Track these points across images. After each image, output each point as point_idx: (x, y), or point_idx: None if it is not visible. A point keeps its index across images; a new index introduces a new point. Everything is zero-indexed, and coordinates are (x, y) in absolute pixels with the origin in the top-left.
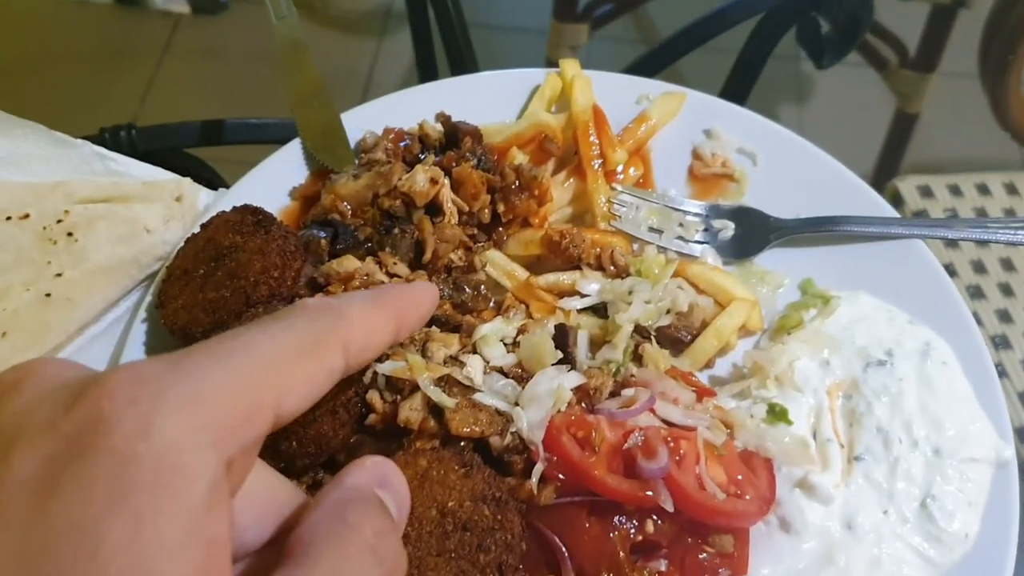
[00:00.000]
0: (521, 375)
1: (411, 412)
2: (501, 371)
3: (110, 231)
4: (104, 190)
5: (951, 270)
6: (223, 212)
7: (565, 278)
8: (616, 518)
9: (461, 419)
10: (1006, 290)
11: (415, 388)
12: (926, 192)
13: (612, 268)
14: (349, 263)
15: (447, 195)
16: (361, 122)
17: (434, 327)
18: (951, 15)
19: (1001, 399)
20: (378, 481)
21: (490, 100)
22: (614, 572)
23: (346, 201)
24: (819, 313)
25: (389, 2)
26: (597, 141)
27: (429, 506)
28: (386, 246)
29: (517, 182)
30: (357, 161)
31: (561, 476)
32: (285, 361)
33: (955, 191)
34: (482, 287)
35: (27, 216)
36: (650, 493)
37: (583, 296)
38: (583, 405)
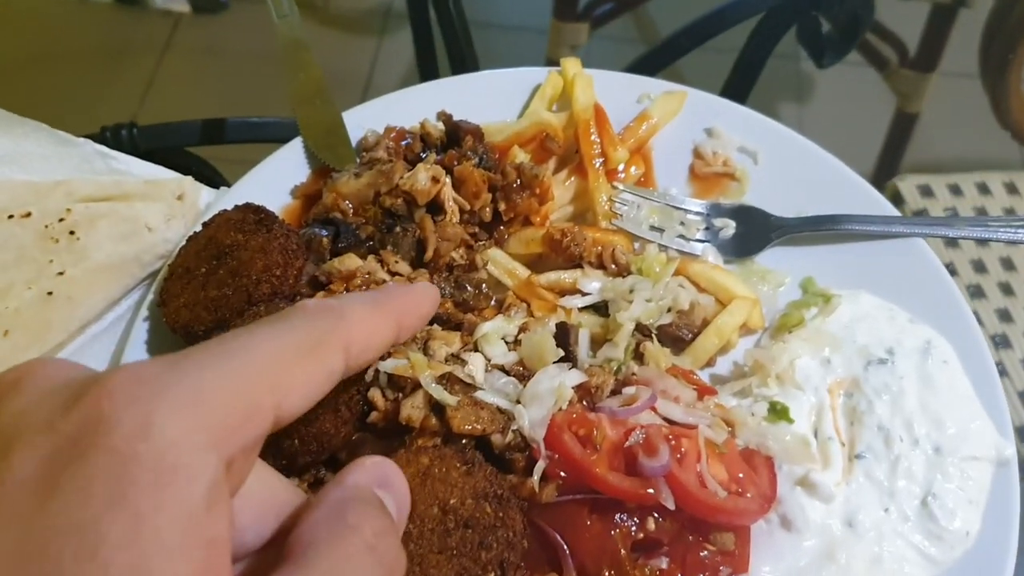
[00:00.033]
0: (522, 373)
1: (413, 410)
2: (502, 369)
3: (112, 229)
4: (106, 189)
5: (951, 269)
6: (225, 210)
7: (566, 276)
8: (617, 516)
9: (463, 417)
10: (1006, 289)
11: (417, 386)
12: (926, 191)
13: (613, 266)
14: (351, 261)
15: (448, 194)
16: (362, 121)
17: (435, 325)
18: (951, 15)
19: (1002, 397)
20: (378, 481)
21: (491, 99)
22: (615, 569)
23: (348, 200)
24: (820, 312)
25: (389, 1)
26: (598, 140)
27: (431, 504)
28: (388, 244)
29: (518, 181)
30: (359, 160)
31: (562, 474)
32: (285, 362)
33: (955, 190)
34: (483, 285)
35: (29, 214)
36: (651, 491)
37: (584, 294)
38: (584, 403)
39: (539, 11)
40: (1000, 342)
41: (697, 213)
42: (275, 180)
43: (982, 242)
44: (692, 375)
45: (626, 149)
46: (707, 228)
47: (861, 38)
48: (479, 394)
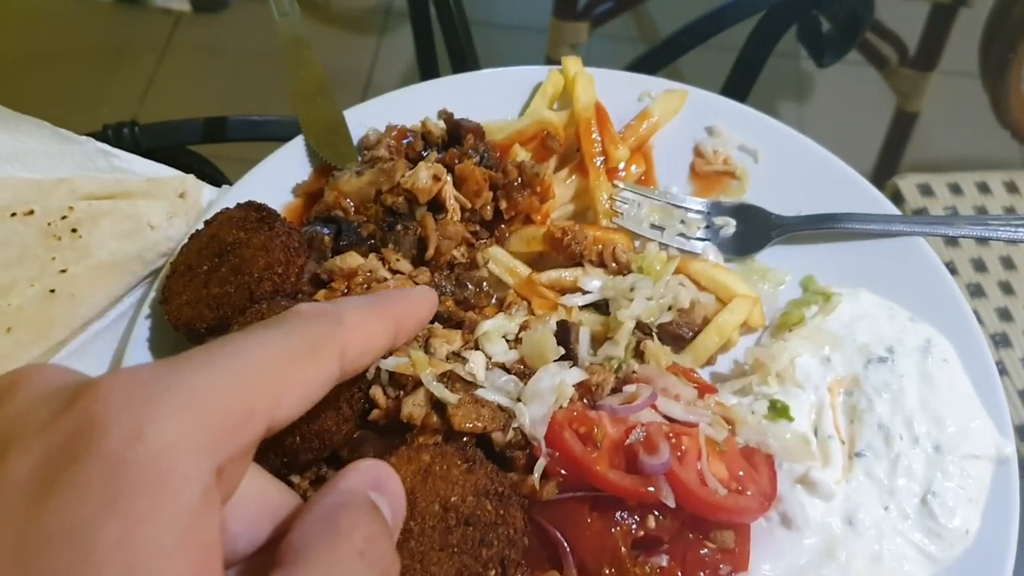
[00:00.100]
0: (523, 371)
1: (414, 408)
2: (503, 367)
3: (114, 227)
4: (108, 187)
5: (951, 268)
6: (227, 208)
7: (567, 275)
8: (618, 513)
9: (464, 415)
10: (1006, 288)
11: (418, 384)
12: (926, 190)
13: (614, 265)
14: (352, 259)
15: (450, 192)
16: (364, 119)
17: (436, 323)
18: (951, 14)
19: (1001, 396)
20: (372, 484)
21: (492, 97)
22: (616, 567)
23: (349, 198)
24: (820, 310)
25: (389, 0)
26: (599, 138)
27: (432, 501)
28: (389, 243)
29: (519, 179)
30: (360, 158)
31: (563, 472)
32: (280, 367)
33: (955, 189)
34: (484, 284)
35: (31, 212)
36: (652, 489)
37: (585, 293)
38: (585, 401)
39: (539, 10)
40: (1000, 341)
41: (698, 211)
42: (277, 178)
43: (982, 241)
44: (692, 373)
45: (627, 147)
46: (708, 226)
47: (861, 37)
48: (480, 392)
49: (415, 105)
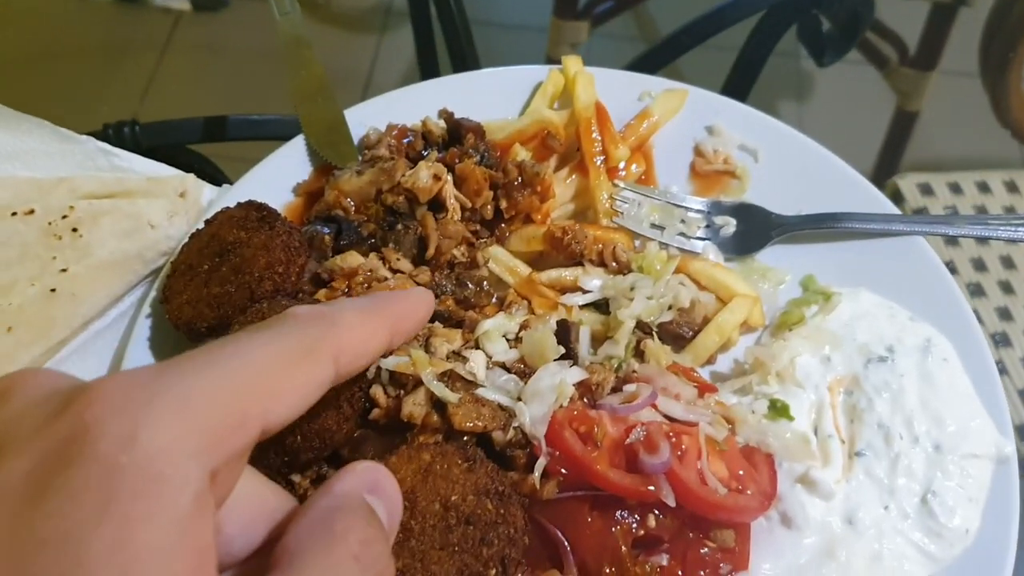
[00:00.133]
0: (523, 370)
1: (414, 407)
2: (503, 366)
3: (114, 226)
4: (108, 186)
5: (951, 268)
6: (227, 208)
7: (567, 274)
8: (618, 512)
9: (464, 414)
10: (1006, 288)
11: (418, 383)
12: (926, 190)
13: (614, 264)
14: (353, 259)
15: (450, 191)
16: (364, 118)
17: (437, 323)
18: (951, 13)
19: (1001, 395)
20: (368, 487)
21: (492, 97)
22: (616, 566)
23: (350, 197)
24: (820, 309)
25: (390, 0)
26: (599, 138)
27: (432, 500)
28: (389, 242)
29: (520, 178)
30: (360, 157)
31: (563, 471)
32: (274, 370)
33: (955, 189)
34: (485, 283)
35: (32, 212)
36: (652, 488)
37: (585, 292)
38: (585, 400)
39: (539, 9)
40: (1000, 340)
41: (698, 211)
42: (277, 177)
43: (982, 240)
44: (692, 373)
45: (627, 147)
46: (708, 226)
47: (861, 36)
48: (480, 391)
49: (415, 104)
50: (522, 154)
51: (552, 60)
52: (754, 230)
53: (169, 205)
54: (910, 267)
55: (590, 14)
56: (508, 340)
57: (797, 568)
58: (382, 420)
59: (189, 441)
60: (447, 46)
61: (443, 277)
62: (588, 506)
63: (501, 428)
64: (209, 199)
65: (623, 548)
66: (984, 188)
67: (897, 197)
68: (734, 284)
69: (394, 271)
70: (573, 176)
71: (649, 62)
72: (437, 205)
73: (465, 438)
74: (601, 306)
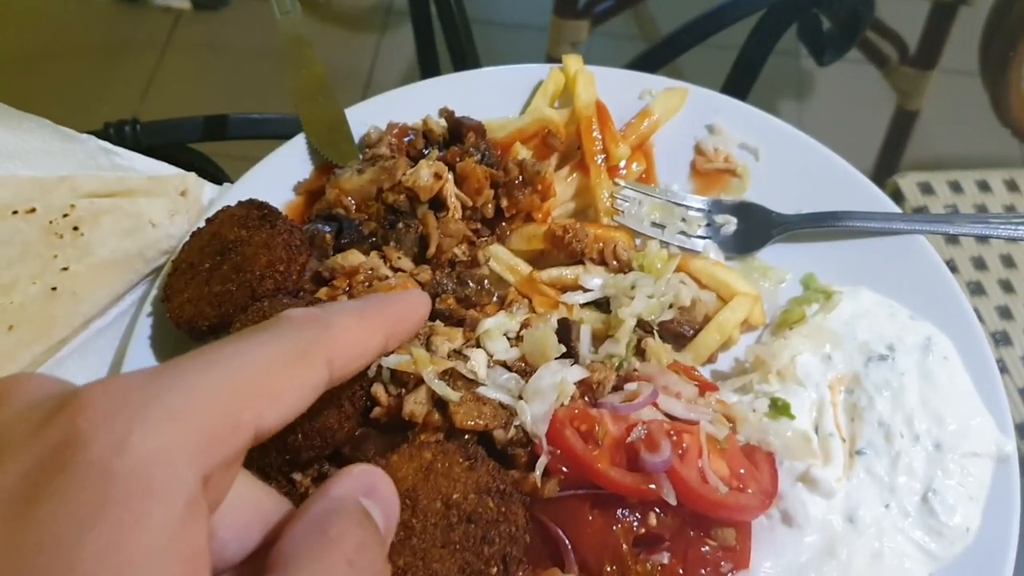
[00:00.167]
0: (524, 369)
1: (416, 405)
2: (504, 365)
3: (115, 225)
4: (109, 185)
5: (952, 266)
6: (228, 206)
7: (568, 273)
8: (619, 511)
9: (465, 412)
10: (1006, 286)
11: (419, 382)
12: (926, 189)
13: (615, 263)
14: (354, 257)
15: (451, 190)
16: (365, 117)
17: (438, 321)
18: (952, 12)
19: (1002, 394)
20: (364, 490)
21: (493, 96)
22: (617, 565)
23: (350, 196)
24: (821, 308)
25: None
26: (600, 136)
27: (434, 498)
28: (390, 240)
29: (520, 177)
30: (361, 156)
31: (564, 469)
32: (266, 374)
33: (955, 188)
34: (485, 282)
35: (33, 210)
36: (653, 486)
37: (586, 291)
38: (586, 399)
39: (539, 8)
40: (1000, 339)
41: (698, 209)
42: (278, 176)
43: (982, 239)
44: (693, 371)
45: (628, 145)
46: (708, 224)
47: (861, 35)
48: (481, 390)
49: (416, 103)
50: (523, 153)
51: (552, 59)
52: (755, 229)
53: (170, 204)
54: (911, 266)
55: (590, 13)
56: (509, 339)
57: (798, 566)
58: (383, 418)
59: (182, 446)
60: (447, 45)
61: (444, 275)
62: (589, 504)
63: (502, 426)
64: (210, 198)
65: (624, 546)
66: (984, 187)
67: (897, 196)
68: (735, 283)
69: (395, 270)
70: (574, 175)
71: (649, 61)
72: (438, 204)
73: (466, 436)
74: (602, 305)
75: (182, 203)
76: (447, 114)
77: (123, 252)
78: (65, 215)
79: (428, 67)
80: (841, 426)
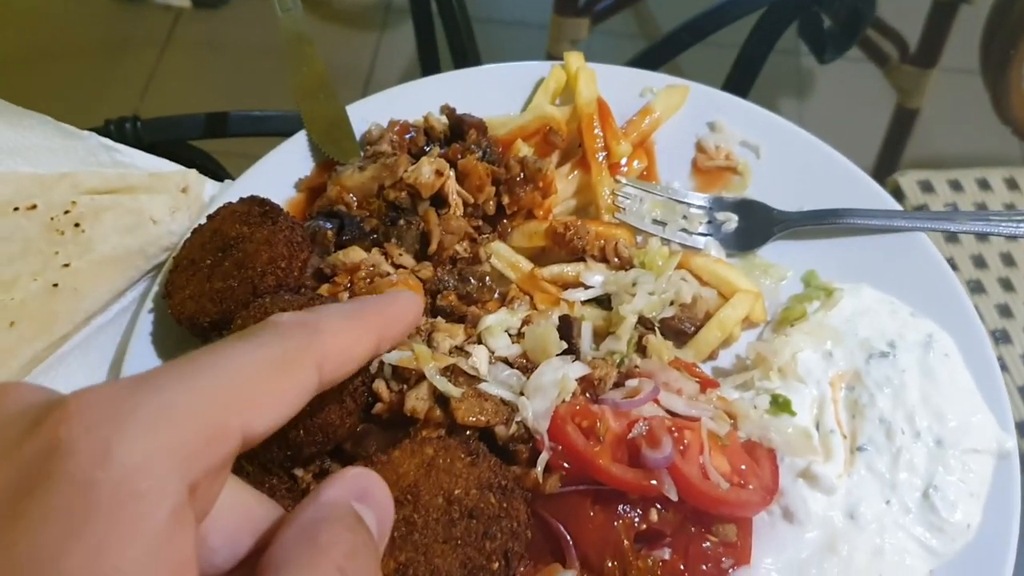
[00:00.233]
0: (526, 366)
1: (417, 401)
2: (506, 361)
3: (116, 222)
4: (110, 181)
5: (952, 264)
6: (230, 203)
7: (569, 270)
8: (620, 507)
9: (467, 408)
10: (1006, 285)
11: (421, 378)
12: (927, 187)
13: (616, 260)
14: (355, 254)
15: (452, 187)
16: (366, 114)
17: (439, 318)
18: (952, 10)
19: (1003, 390)
20: (357, 494)
21: (494, 93)
22: (618, 560)
23: (352, 193)
24: (822, 305)
25: None
26: (601, 134)
27: (435, 494)
28: (392, 237)
29: (522, 174)
30: (363, 153)
31: (566, 465)
32: (254, 380)
33: (955, 186)
34: (487, 278)
35: (34, 207)
36: (654, 482)
37: (587, 288)
38: (587, 395)
39: (540, 6)
40: (1000, 337)
41: (699, 207)
42: (279, 173)
43: (982, 237)
44: (694, 368)
45: (629, 143)
46: (709, 222)
47: (862, 34)
48: (483, 386)
49: (417, 100)
50: (524, 150)
51: (552, 57)
52: (756, 226)
53: (171, 200)
54: (911, 263)
55: (590, 11)
56: (510, 335)
57: (799, 562)
58: (385, 414)
59: (165, 455)
60: (448, 43)
61: (445, 272)
62: (590, 500)
63: (504, 423)
64: (211, 194)
65: (625, 542)
66: (984, 185)
67: (898, 194)
68: (736, 280)
69: (396, 266)
70: (575, 172)
71: (649, 59)
72: (439, 201)
73: (468, 432)
74: (603, 302)
75: (183, 200)
76: (448, 111)
77: (124, 248)
78: (66, 211)
79: (429, 64)
80: (842, 423)
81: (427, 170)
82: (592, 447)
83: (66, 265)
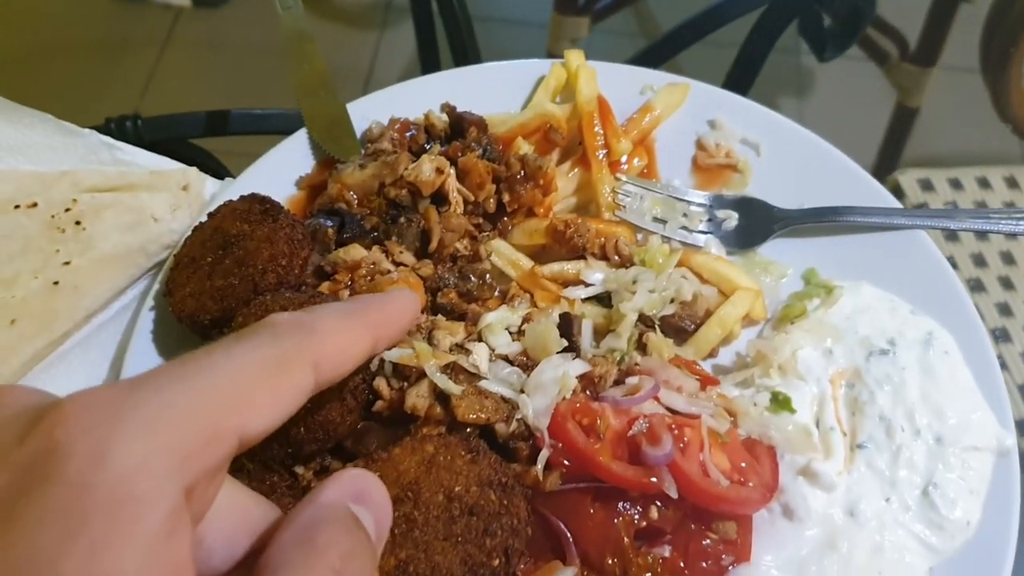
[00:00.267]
0: (526, 363)
1: (418, 399)
2: (506, 359)
3: (117, 220)
4: (111, 179)
5: (952, 263)
6: (231, 201)
7: (569, 267)
8: (620, 504)
9: (467, 406)
10: (1006, 283)
11: (422, 375)
12: (927, 185)
13: (616, 258)
14: (356, 252)
15: (453, 185)
16: (366, 112)
17: (440, 315)
18: (952, 9)
19: (1002, 388)
20: (354, 496)
21: (495, 91)
22: (618, 558)
23: (352, 190)
24: (822, 303)
25: None
26: (601, 131)
27: (436, 491)
28: (392, 235)
29: (522, 172)
30: (363, 151)
31: (566, 462)
32: (250, 381)
33: (955, 184)
34: (487, 276)
35: (35, 205)
36: (654, 480)
37: (587, 285)
38: (588, 393)
39: (540, 5)
40: (1000, 336)
41: (700, 204)
42: (280, 171)
43: (982, 236)
44: (695, 365)
45: (629, 141)
46: (710, 219)
47: (862, 32)
48: (483, 383)
49: (418, 98)
50: (524, 148)
51: (553, 56)
52: (756, 224)
53: (172, 198)
54: (911, 261)
55: (590, 10)
56: (511, 333)
57: (799, 560)
58: (386, 412)
59: (161, 458)
60: (448, 41)
61: (446, 270)
62: (591, 498)
63: (504, 420)
64: (211, 192)
65: (626, 539)
66: (984, 184)
67: (897, 193)
68: (736, 277)
69: (397, 264)
70: (575, 170)
71: (649, 58)
72: (440, 198)
73: (468, 430)
74: (603, 299)
75: (184, 198)
76: (449, 109)
77: (125, 246)
78: (67, 209)
79: (429, 62)
80: (842, 420)
81: (427, 168)
82: (592, 444)
83: (67, 263)
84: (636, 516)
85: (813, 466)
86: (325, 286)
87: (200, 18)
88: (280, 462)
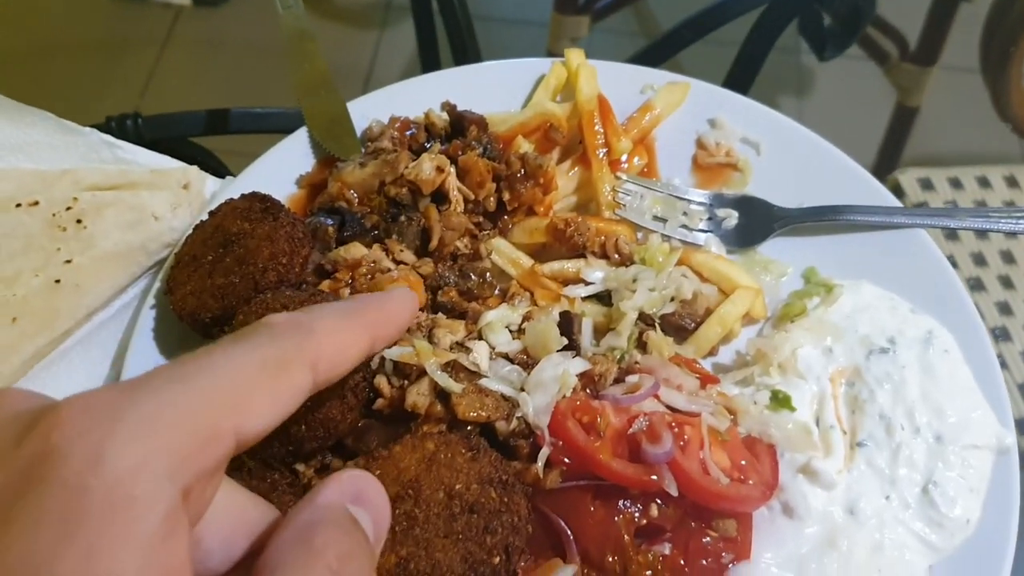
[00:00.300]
0: (526, 361)
1: (418, 397)
2: (507, 357)
3: (118, 218)
4: (112, 178)
5: (952, 262)
6: (231, 199)
7: (570, 266)
8: (621, 502)
9: (468, 404)
10: (1006, 282)
11: (422, 373)
12: (927, 185)
13: (616, 256)
14: (356, 250)
15: (453, 183)
16: (366, 111)
17: (440, 314)
18: (952, 8)
19: (1002, 386)
20: (352, 497)
21: (495, 90)
22: (619, 555)
23: (353, 189)
24: (822, 301)
25: None
26: (602, 130)
27: (436, 489)
28: (392, 233)
29: (522, 171)
30: (364, 149)
31: (566, 460)
32: (246, 382)
33: (955, 184)
34: (487, 275)
35: (36, 203)
36: (654, 477)
37: (587, 284)
38: (588, 391)
39: (540, 4)
40: (1000, 335)
41: (700, 203)
42: (281, 169)
43: (982, 235)
44: (695, 364)
45: (629, 139)
46: (710, 218)
47: (862, 31)
48: (484, 381)
49: (418, 97)
50: (525, 146)
51: (553, 55)
52: (756, 222)
53: (173, 197)
54: (911, 259)
55: (590, 9)
56: (511, 331)
57: (798, 557)
58: (386, 410)
59: (157, 460)
60: (449, 40)
61: (446, 268)
62: (591, 495)
63: (504, 418)
64: (212, 191)
65: (626, 537)
66: (984, 183)
67: (897, 192)
68: (736, 276)
69: (397, 262)
70: (576, 168)
71: (650, 57)
72: (440, 197)
73: (469, 428)
74: (603, 298)
75: (185, 196)
76: (449, 108)
77: (126, 245)
78: (68, 208)
79: (429, 61)
80: (842, 418)
81: (428, 166)
82: (592, 442)
83: (68, 261)
84: (636, 514)
85: (813, 464)
86: (326, 284)
87: (200, 17)
88: (281, 460)
